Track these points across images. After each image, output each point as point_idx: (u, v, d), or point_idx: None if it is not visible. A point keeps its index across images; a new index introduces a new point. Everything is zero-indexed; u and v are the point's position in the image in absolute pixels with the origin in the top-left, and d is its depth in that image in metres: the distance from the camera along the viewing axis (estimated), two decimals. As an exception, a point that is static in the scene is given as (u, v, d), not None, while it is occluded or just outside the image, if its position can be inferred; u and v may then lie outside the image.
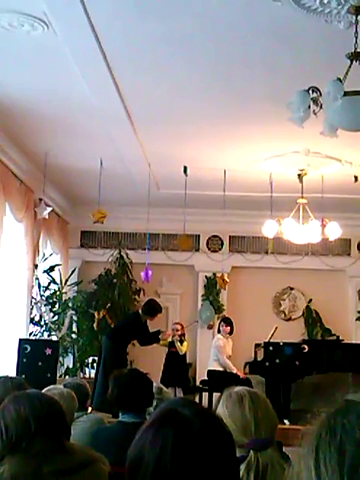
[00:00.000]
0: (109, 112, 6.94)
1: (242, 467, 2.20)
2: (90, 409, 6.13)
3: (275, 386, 9.41)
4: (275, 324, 10.40)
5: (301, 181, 8.60)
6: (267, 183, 9.07)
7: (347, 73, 4.46)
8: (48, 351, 8.37)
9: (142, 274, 9.42)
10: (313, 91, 4.40)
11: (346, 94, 4.23)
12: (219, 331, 10.02)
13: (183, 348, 9.66)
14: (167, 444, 1.43)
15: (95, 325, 10.36)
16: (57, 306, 10.10)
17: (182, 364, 9.80)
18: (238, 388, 2.58)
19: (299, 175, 8.59)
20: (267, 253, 11.29)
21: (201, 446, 1.44)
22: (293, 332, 10.94)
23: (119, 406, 3.90)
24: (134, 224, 10.93)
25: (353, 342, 10.60)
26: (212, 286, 11.38)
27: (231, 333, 9.92)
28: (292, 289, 11.62)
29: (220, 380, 9.17)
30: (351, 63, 4.54)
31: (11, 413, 2.04)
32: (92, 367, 10.29)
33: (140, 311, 9.29)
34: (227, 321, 10.02)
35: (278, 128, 7.01)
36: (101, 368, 8.84)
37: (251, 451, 2.26)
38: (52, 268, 10.08)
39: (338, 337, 10.91)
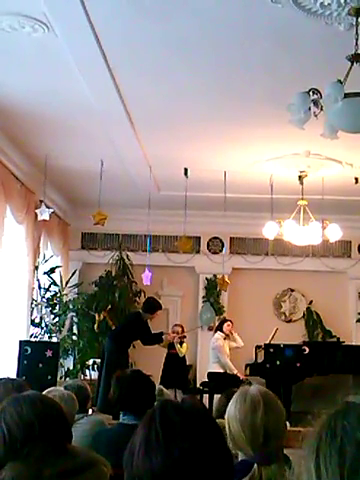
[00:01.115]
0: (109, 114, 6.94)
1: None
2: (91, 411, 6.13)
3: (276, 388, 9.35)
4: (276, 326, 10.40)
5: (301, 183, 8.60)
6: (267, 185, 9.08)
7: (347, 75, 4.46)
8: (49, 353, 8.36)
9: (143, 277, 9.42)
10: (313, 93, 4.40)
11: (346, 96, 4.23)
12: (217, 330, 9.99)
13: (183, 350, 9.65)
14: (154, 422, 1.44)
15: (96, 327, 10.35)
16: (57, 308, 10.10)
17: (182, 366, 9.80)
18: (254, 390, 2.46)
19: (299, 177, 8.59)
20: (268, 255, 11.30)
21: (189, 420, 1.45)
22: (294, 334, 10.94)
23: (121, 407, 3.89)
24: (135, 226, 10.93)
25: (354, 344, 10.60)
26: (213, 288, 11.38)
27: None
28: (293, 291, 11.62)
29: (220, 382, 9.17)
30: (351, 65, 4.54)
31: (13, 416, 2.01)
32: (93, 369, 10.29)
33: (140, 310, 9.34)
34: (231, 321, 10.04)
35: (278, 130, 7.01)
36: (104, 370, 8.83)
37: (255, 464, 2.22)
38: (53, 270, 10.08)
39: (339, 339, 10.90)
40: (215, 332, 10.06)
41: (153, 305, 9.26)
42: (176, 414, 1.45)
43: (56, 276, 10.22)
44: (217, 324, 10.39)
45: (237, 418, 2.37)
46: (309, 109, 4.36)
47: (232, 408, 2.42)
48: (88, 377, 10.24)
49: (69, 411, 3.80)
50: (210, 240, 11.58)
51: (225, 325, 9.97)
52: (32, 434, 1.96)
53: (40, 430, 1.97)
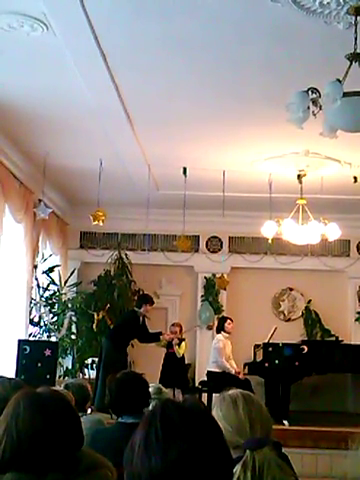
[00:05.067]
0: (108, 113, 6.93)
1: (238, 466, 2.20)
2: (90, 410, 6.12)
3: (274, 387, 9.40)
4: (274, 325, 10.39)
5: (300, 182, 8.61)
6: (266, 184, 9.08)
7: (346, 74, 4.46)
8: (47, 352, 8.36)
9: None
10: (312, 92, 4.40)
11: (345, 95, 4.23)
12: (219, 331, 9.96)
13: (180, 351, 9.60)
14: (155, 421, 1.43)
15: (94, 326, 10.35)
16: (56, 307, 10.11)
17: (181, 365, 9.78)
18: (231, 391, 2.61)
19: (298, 176, 8.59)
20: (266, 254, 11.30)
21: (189, 421, 1.44)
22: (292, 333, 10.95)
23: (116, 411, 3.91)
24: (133, 225, 10.93)
25: (352, 343, 10.60)
26: (211, 287, 11.38)
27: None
28: (291, 290, 11.63)
29: (219, 381, 9.16)
30: (350, 64, 4.54)
31: (26, 424, 1.94)
32: (92, 368, 10.29)
33: (135, 308, 9.36)
34: (231, 319, 9.99)
35: (277, 129, 7.01)
36: (102, 369, 8.85)
37: (247, 451, 2.26)
38: (51, 269, 10.09)
39: (337, 338, 10.91)
40: (218, 332, 9.98)
41: (144, 298, 9.33)
42: (177, 414, 1.44)
43: (55, 275, 10.22)
44: (217, 323, 10.34)
45: (220, 416, 2.46)
46: (308, 108, 4.36)
47: (214, 412, 2.53)
48: (87, 376, 10.24)
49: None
50: (209, 239, 11.58)
51: (226, 323, 9.90)
52: (41, 444, 1.92)
53: (49, 440, 1.93)
